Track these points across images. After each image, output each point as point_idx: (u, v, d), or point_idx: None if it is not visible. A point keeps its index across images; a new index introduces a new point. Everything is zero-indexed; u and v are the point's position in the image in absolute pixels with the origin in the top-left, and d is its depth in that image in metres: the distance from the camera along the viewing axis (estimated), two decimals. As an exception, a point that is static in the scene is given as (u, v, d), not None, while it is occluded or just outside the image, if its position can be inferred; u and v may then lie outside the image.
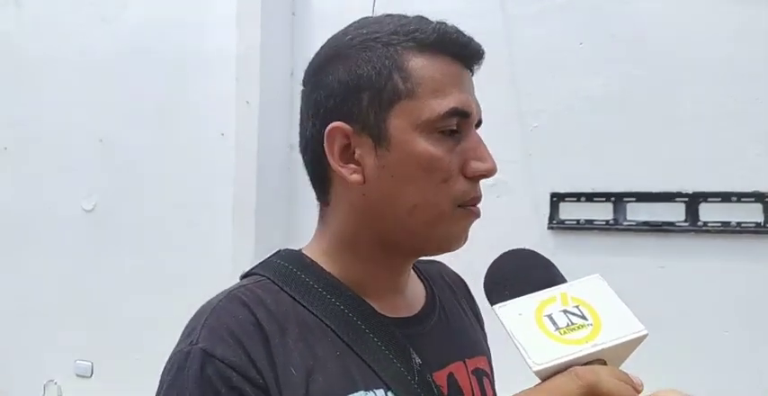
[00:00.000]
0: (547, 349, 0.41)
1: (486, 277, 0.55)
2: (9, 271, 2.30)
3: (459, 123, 0.57)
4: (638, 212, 1.47)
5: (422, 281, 0.72)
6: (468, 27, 1.81)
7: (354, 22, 0.63)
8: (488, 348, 0.76)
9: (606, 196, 1.50)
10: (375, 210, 0.59)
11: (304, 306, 0.57)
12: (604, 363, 0.43)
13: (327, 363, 0.54)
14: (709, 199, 1.41)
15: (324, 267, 0.61)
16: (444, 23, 0.61)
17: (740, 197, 1.38)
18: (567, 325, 0.43)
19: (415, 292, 0.68)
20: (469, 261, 1.62)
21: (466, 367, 0.65)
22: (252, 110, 1.77)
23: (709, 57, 1.44)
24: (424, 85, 0.57)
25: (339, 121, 0.58)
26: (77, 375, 2.12)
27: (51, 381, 2.15)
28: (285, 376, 0.51)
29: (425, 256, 0.65)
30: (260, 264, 0.63)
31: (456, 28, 0.61)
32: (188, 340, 0.53)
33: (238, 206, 1.80)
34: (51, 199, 2.23)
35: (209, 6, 1.97)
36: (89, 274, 2.13)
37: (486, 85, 1.62)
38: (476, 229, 1.78)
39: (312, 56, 0.65)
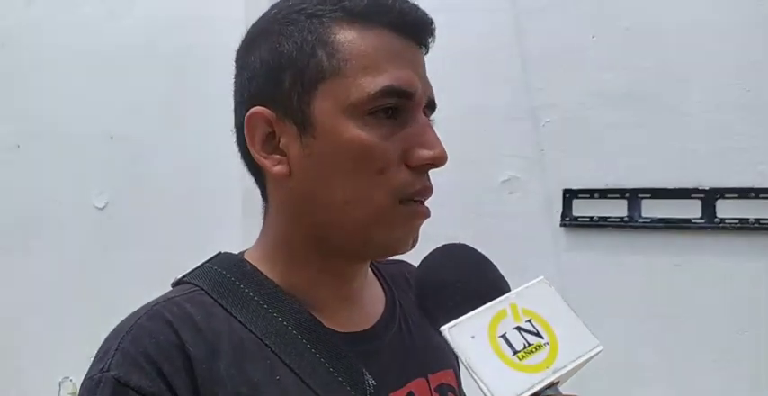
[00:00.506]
0: (509, 381, 0.38)
1: (418, 282, 0.47)
2: (22, 268, 2.32)
3: (400, 105, 0.49)
4: (653, 209, 1.44)
5: (382, 286, 0.64)
6: (478, 22, 1.79)
7: None
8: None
9: (620, 193, 1.48)
10: (304, 206, 0.52)
11: (240, 322, 0.50)
12: (558, 382, 0.41)
13: (264, 389, 0.47)
14: (727, 195, 1.38)
15: (266, 274, 0.54)
16: None
17: (758, 193, 1.35)
18: (524, 347, 0.40)
19: (372, 301, 0.60)
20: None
21: (428, 384, 0.58)
22: (260, 106, 1.76)
23: (724, 48, 1.41)
24: (353, 61, 0.49)
25: (261, 105, 0.52)
26: (91, 371, 2.14)
27: (66, 377, 2.17)
28: None
29: (370, 260, 0.57)
30: (194, 270, 0.57)
31: None
32: (99, 365, 0.47)
33: (248, 202, 1.79)
34: (64, 196, 2.24)
35: (216, 1, 1.96)
36: (101, 271, 2.14)
37: (496, 80, 1.63)
38: (487, 226, 1.77)
39: None
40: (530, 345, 0.40)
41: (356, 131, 0.49)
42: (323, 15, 0.50)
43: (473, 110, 1.65)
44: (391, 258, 0.64)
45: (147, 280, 2.07)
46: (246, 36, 0.57)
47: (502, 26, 1.65)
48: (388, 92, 0.48)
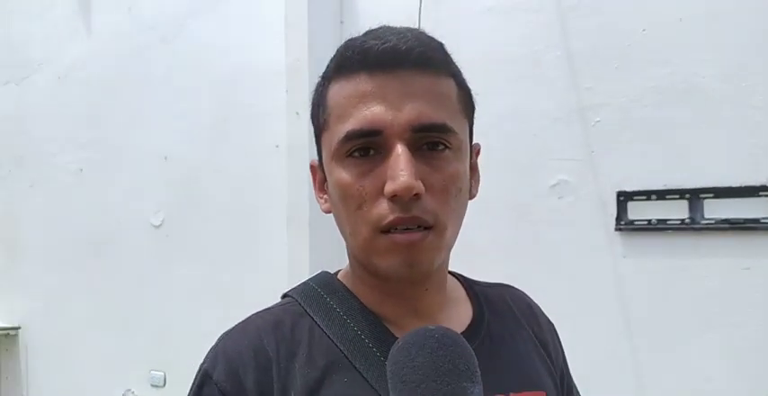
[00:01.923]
0: None
1: (388, 364, 0.46)
2: (86, 285, 2.43)
3: (372, 143, 0.53)
4: (716, 210, 1.34)
5: (473, 306, 0.66)
6: (522, 23, 1.74)
7: None
8: (562, 382, 0.69)
9: (680, 193, 1.38)
10: (343, 237, 0.60)
11: (322, 329, 0.57)
12: None
13: (333, 388, 0.54)
14: (799, 192, 1.26)
15: (352, 290, 0.61)
16: (372, 32, 0.56)
17: (837, 189, 1.23)
18: None
19: (454, 318, 0.62)
20: (534, 265, 1.54)
21: None
22: (302, 121, 1.77)
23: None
24: (332, 114, 0.56)
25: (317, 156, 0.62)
26: (152, 385, 2.19)
27: (129, 390, 2.24)
28: None
29: (393, 282, 0.58)
30: (297, 286, 0.64)
31: (377, 35, 0.54)
32: (204, 359, 0.59)
33: (292, 218, 1.80)
34: (123, 216, 2.34)
35: (259, 20, 2.00)
36: (159, 287, 2.21)
37: (541, 81, 1.58)
38: (537, 233, 1.70)
39: None
40: None
41: (339, 174, 0.55)
42: (325, 76, 0.58)
43: (519, 113, 1.60)
44: (493, 282, 0.72)
45: (200, 293, 2.13)
46: None
47: (547, 26, 1.60)
48: (351, 136, 0.53)
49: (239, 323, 0.61)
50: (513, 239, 1.58)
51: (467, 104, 0.59)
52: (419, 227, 0.52)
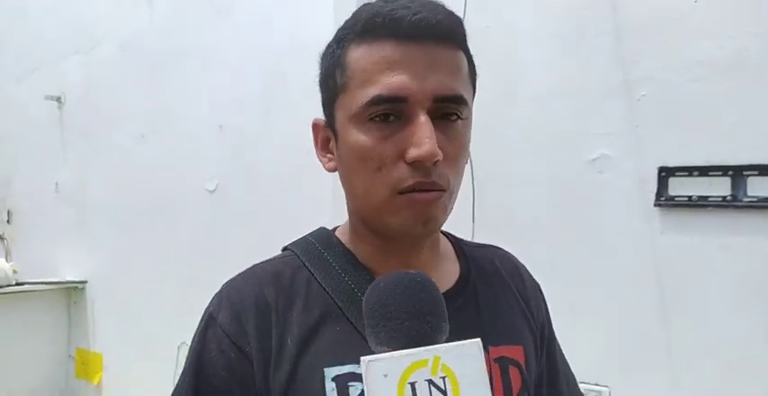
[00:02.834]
0: None
1: (366, 305, 0.50)
2: (148, 244, 2.60)
3: (396, 109, 0.55)
4: (760, 187, 1.32)
5: (461, 265, 0.70)
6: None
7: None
8: (542, 338, 0.72)
9: (723, 170, 1.36)
10: (347, 195, 0.64)
11: (319, 282, 0.62)
12: None
13: (326, 336, 0.58)
14: None
15: (347, 246, 0.65)
16: (400, 1, 0.56)
17: None
18: None
19: (442, 275, 0.66)
20: (572, 240, 1.56)
21: (488, 354, 0.62)
22: (349, 92, 1.83)
23: None
24: (355, 77, 0.57)
25: (322, 116, 0.65)
26: (205, 339, 2.35)
27: (184, 343, 2.41)
28: (279, 344, 0.58)
29: (397, 239, 0.61)
30: (297, 240, 0.69)
31: (403, 3, 0.56)
32: (209, 304, 0.64)
33: (336, 186, 1.86)
34: (180, 181, 2.47)
35: (308, 1, 2.05)
36: (213, 248, 2.35)
37: (587, 54, 1.57)
38: (575, 207, 1.71)
39: None
40: None
41: (357, 136, 0.57)
42: (342, 39, 0.60)
43: (565, 86, 1.60)
44: (481, 243, 0.75)
45: (251, 255, 2.23)
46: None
47: (593, -1, 1.57)
48: (377, 101, 0.55)
49: (242, 272, 0.65)
50: (554, 214, 1.60)
51: (473, 77, 0.63)
52: (434, 189, 0.56)
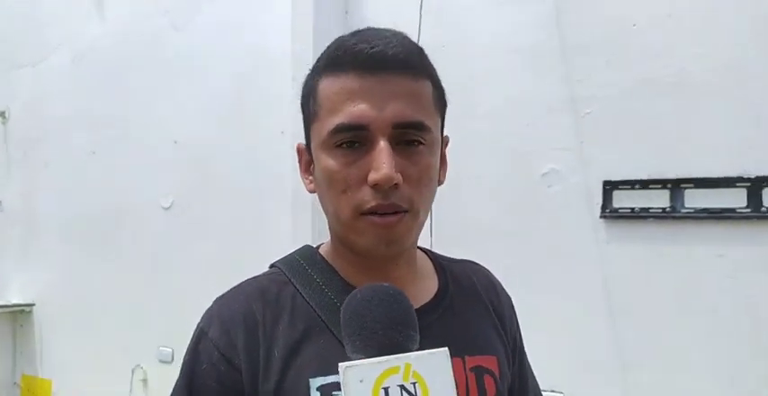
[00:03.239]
0: None
1: (344, 315, 0.53)
2: (98, 264, 2.53)
3: (358, 136, 0.59)
4: (696, 199, 1.41)
5: (439, 280, 0.73)
6: (519, 15, 1.79)
7: None
8: (514, 350, 0.76)
9: (662, 183, 1.45)
10: (325, 215, 0.66)
11: (303, 297, 0.65)
12: None
13: (310, 348, 0.61)
14: (775, 183, 1.33)
15: (330, 263, 0.69)
16: (360, 34, 0.61)
17: (809, 180, 1.30)
18: None
19: (420, 290, 0.69)
20: (524, 250, 1.61)
21: (464, 363, 0.65)
22: (306, 108, 1.85)
23: (773, 32, 1.36)
24: (323, 106, 0.61)
25: (304, 140, 0.68)
26: (160, 361, 2.30)
27: (138, 365, 2.35)
28: (267, 356, 0.61)
29: (372, 259, 0.65)
30: (283, 258, 0.72)
31: (365, 38, 0.60)
32: (200, 320, 0.67)
33: (296, 199, 1.88)
34: (134, 197, 2.42)
35: (266, 9, 2.07)
36: (169, 266, 2.31)
37: (535, 73, 1.64)
38: (528, 219, 1.77)
39: None
40: None
41: (327, 161, 0.61)
42: (315, 70, 0.64)
43: (514, 103, 1.67)
44: (460, 259, 0.79)
45: (209, 272, 2.22)
46: None
47: (542, 19, 1.65)
48: (340, 129, 0.59)
49: (231, 289, 0.68)
50: (508, 225, 1.66)
51: (440, 102, 0.66)
52: (395, 212, 0.60)
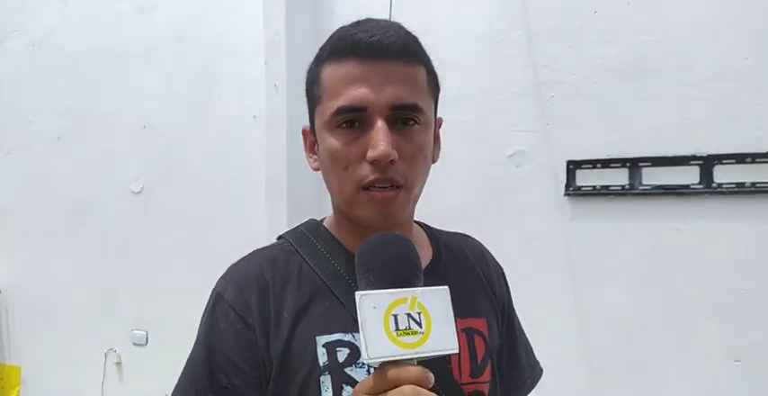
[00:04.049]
0: (382, 346, 0.51)
1: (359, 256, 0.58)
2: (69, 250, 2.50)
3: (358, 117, 0.65)
4: (653, 177, 1.51)
5: (433, 250, 0.80)
6: (486, 2, 1.85)
7: None
8: (503, 313, 0.83)
9: (621, 162, 1.54)
10: (328, 191, 0.73)
11: (309, 265, 0.72)
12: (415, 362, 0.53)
13: (316, 310, 0.68)
14: (724, 161, 1.43)
15: (333, 234, 0.75)
16: (360, 25, 0.67)
17: (755, 158, 1.40)
18: (405, 328, 0.52)
19: None
20: (495, 226, 1.69)
21: (456, 325, 0.72)
22: (280, 93, 1.87)
23: (723, 19, 1.45)
24: (326, 91, 0.67)
25: (309, 123, 0.74)
26: (134, 344, 2.30)
27: (111, 349, 2.35)
28: (277, 317, 0.67)
29: (368, 228, 0.69)
30: (290, 230, 0.79)
31: (365, 28, 0.66)
32: (216, 284, 0.72)
33: (271, 184, 1.91)
34: (103, 183, 2.40)
35: (236, -5, 2.07)
36: (140, 251, 2.31)
37: (503, 58, 1.71)
38: (497, 197, 1.85)
39: None
40: (410, 329, 0.52)
41: (330, 140, 0.67)
42: (319, 59, 0.70)
43: (482, 88, 1.73)
44: (456, 231, 0.87)
45: (180, 257, 2.23)
46: None
47: (509, 7, 1.72)
48: (341, 110, 0.65)
49: (243, 258, 0.74)
50: (476, 204, 1.73)
51: (434, 87, 0.72)
52: (392, 186, 0.66)
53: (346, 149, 0.65)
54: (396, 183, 0.65)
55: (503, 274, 0.88)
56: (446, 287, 0.55)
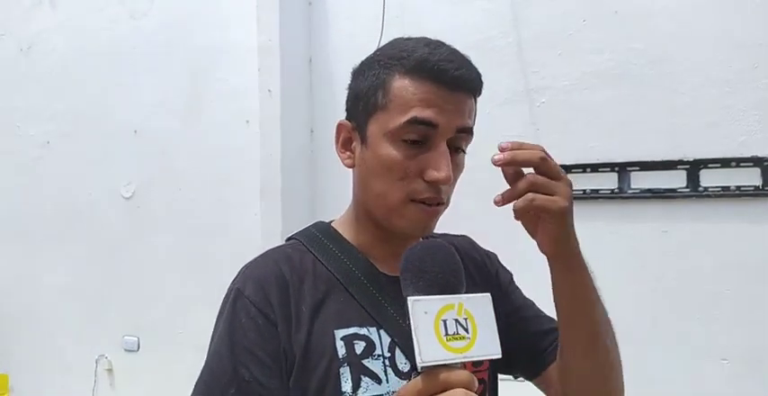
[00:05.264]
0: (433, 350, 0.53)
1: (407, 262, 0.60)
2: (59, 255, 2.48)
3: (425, 134, 0.68)
4: (641, 181, 1.55)
5: None
6: (478, 11, 1.88)
7: (389, 41, 0.76)
8: (501, 291, 0.88)
9: (611, 166, 1.58)
10: (361, 191, 0.75)
11: (323, 264, 0.75)
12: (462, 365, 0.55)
13: (332, 305, 0.72)
14: (710, 165, 1.48)
15: (344, 235, 0.79)
16: (439, 51, 0.70)
17: (739, 162, 1.45)
18: (454, 334, 0.55)
19: None
20: (486, 231, 1.71)
21: None
22: (274, 98, 1.89)
23: (707, 27, 1.50)
24: (396, 102, 0.70)
25: (347, 118, 0.76)
26: (125, 350, 2.29)
27: (102, 355, 2.33)
28: (296, 311, 0.71)
29: (398, 235, 0.74)
30: (300, 231, 0.82)
31: (448, 57, 0.70)
32: (234, 282, 0.75)
33: (265, 188, 1.92)
34: (93, 188, 2.39)
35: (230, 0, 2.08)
36: (131, 256, 2.29)
37: (494, 66, 1.74)
38: (488, 201, 1.87)
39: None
40: (458, 334, 0.55)
41: (389, 150, 0.70)
42: (389, 66, 0.71)
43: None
44: (453, 234, 0.91)
45: (172, 262, 2.23)
46: (357, 66, 0.77)
47: (499, 13, 1.75)
48: (412, 122, 0.68)
49: (258, 257, 0.77)
50: (467, 209, 1.75)
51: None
52: (438, 203, 0.71)
53: (406, 163, 0.69)
54: (441, 201, 0.71)
55: (496, 258, 0.94)
56: (488, 294, 0.58)
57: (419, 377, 0.54)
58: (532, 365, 0.84)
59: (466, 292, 0.78)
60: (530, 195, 0.64)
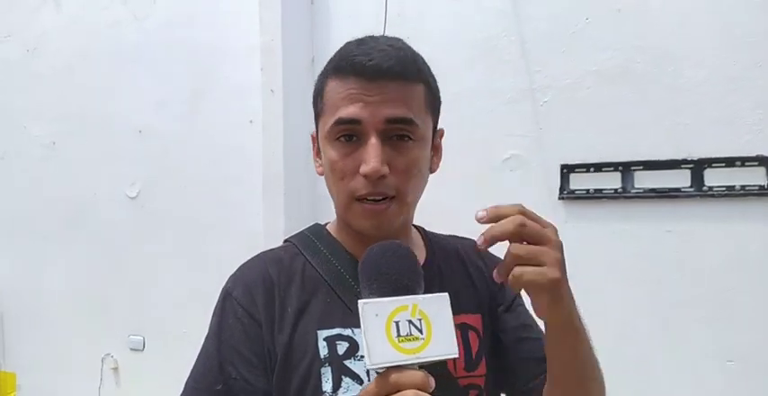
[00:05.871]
0: (384, 352, 0.53)
1: (365, 259, 0.61)
2: (65, 255, 2.50)
3: (354, 130, 0.69)
4: (645, 180, 1.54)
5: (426, 250, 0.83)
6: (479, 8, 1.88)
7: None
8: (505, 304, 0.83)
9: (614, 166, 1.57)
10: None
11: (312, 265, 0.77)
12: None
13: (317, 306, 0.73)
14: (714, 164, 1.46)
15: (336, 237, 0.80)
16: (363, 47, 0.70)
17: (744, 161, 1.44)
18: (407, 335, 0.54)
19: None
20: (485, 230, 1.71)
21: None
22: (276, 97, 1.89)
23: (711, 24, 1.49)
24: (327, 104, 0.72)
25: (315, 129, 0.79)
26: (131, 349, 2.30)
27: (108, 354, 2.35)
28: (281, 312, 0.73)
29: (369, 236, 0.72)
30: (294, 234, 0.84)
31: (367, 50, 0.70)
32: (226, 283, 0.77)
33: (268, 187, 1.92)
34: (99, 188, 2.40)
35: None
36: (136, 255, 2.31)
37: (497, 64, 1.73)
38: (491, 201, 1.87)
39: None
40: (411, 335, 0.54)
41: (330, 151, 0.72)
42: (324, 72, 0.74)
43: (477, 92, 1.75)
44: (454, 235, 0.89)
45: (177, 262, 2.24)
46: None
47: (501, 12, 1.74)
48: (338, 122, 0.70)
49: (251, 258, 0.80)
50: (471, 207, 1.74)
51: (433, 103, 0.75)
52: (384, 198, 0.69)
53: (343, 162, 0.70)
54: (386, 195, 0.69)
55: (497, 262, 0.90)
56: (446, 294, 0.57)
57: (373, 380, 0.54)
58: (517, 392, 0.81)
59: (456, 294, 0.78)
60: (517, 271, 0.58)
